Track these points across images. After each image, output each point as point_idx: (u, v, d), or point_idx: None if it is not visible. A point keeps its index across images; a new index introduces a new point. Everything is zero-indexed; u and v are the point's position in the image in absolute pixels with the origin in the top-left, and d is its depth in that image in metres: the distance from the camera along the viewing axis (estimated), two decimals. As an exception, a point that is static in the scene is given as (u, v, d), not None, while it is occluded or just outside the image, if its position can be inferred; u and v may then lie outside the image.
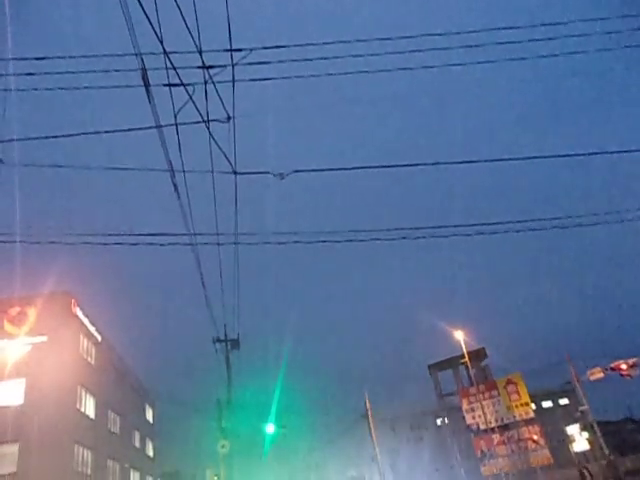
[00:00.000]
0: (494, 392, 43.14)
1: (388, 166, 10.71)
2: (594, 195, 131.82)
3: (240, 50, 7.46)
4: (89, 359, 31.80)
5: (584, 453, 44.17)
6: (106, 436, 33.32)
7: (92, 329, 32.50)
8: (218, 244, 11.39)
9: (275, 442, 34.57)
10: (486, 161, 11.93)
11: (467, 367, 43.41)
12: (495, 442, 41.58)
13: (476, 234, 11.83)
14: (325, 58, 9.01)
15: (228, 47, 7.26)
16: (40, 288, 29.50)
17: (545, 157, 11.85)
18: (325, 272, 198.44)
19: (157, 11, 5.78)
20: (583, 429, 41.00)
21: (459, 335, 39.19)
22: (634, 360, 30.58)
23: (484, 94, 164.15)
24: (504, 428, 41.92)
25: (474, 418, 42.92)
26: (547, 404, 61.98)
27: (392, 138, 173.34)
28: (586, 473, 33.47)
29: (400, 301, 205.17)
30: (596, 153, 12.65)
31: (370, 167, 11.95)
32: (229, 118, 7.71)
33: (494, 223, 11.61)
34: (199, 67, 7.08)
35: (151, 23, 5.75)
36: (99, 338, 33.75)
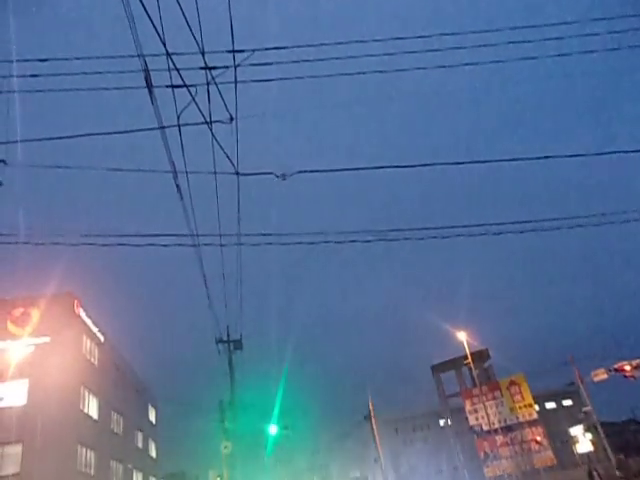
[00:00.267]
0: (497, 393, 43.05)
1: (388, 166, 10.71)
2: (597, 195, 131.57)
3: (242, 51, 7.46)
4: (92, 360, 31.86)
5: (588, 454, 44.02)
6: (109, 437, 33.36)
7: (95, 330, 32.56)
8: (221, 245, 11.40)
9: (278, 443, 34.56)
10: (486, 161, 11.91)
11: (470, 368, 43.32)
12: (498, 443, 41.50)
13: (479, 234, 11.81)
14: (327, 59, 9.02)
15: (230, 48, 7.27)
16: (43, 289, 29.64)
17: (545, 157, 11.82)
18: (327, 273, 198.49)
19: (160, 12, 5.79)
20: (587, 430, 40.87)
21: (462, 336, 39.10)
22: (638, 361, 30.47)
23: (483, 94, 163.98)
24: (507, 429, 41.83)
25: (477, 419, 42.84)
26: (550, 405, 61.80)
27: (395, 138, 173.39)
28: (595, 474, 33.26)
29: (403, 302, 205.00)
30: (596, 154, 12.61)
31: (370, 168, 11.95)
32: (232, 119, 7.72)
33: (498, 223, 11.59)
34: (202, 68, 7.09)
35: (154, 24, 5.76)
36: (102, 339, 33.81)
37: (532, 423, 41.78)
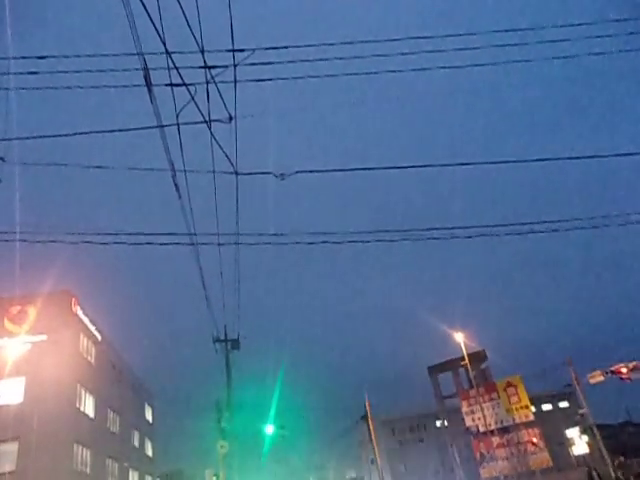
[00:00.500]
0: (494, 394, 43.07)
1: (388, 167, 10.70)
2: (597, 197, 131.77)
3: (242, 50, 7.45)
4: (89, 358, 31.80)
5: (584, 456, 44.08)
6: (105, 435, 33.30)
7: (92, 328, 32.51)
8: (219, 244, 11.38)
9: (275, 443, 34.53)
10: (486, 162, 11.92)
11: (467, 369, 43.32)
12: (495, 445, 41.53)
13: (477, 236, 11.83)
14: (327, 59, 9.01)
15: (230, 47, 7.26)
16: (40, 287, 29.56)
17: (544, 159, 11.84)
18: (325, 273, 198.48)
19: (160, 11, 5.79)
20: (583, 432, 40.90)
21: (459, 337, 39.14)
22: (634, 364, 30.44)
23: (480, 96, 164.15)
24: (504, 431, 41.85)
25: (474, 420, 42.86)
26: (547, 407, 61.87)
27: (395, 138, 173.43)
28: (594, 474, 33.23)
29: (401, 303, 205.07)
30: (595, 157, 12.61)
31: (371, 168, 11.95)
32: (231, 118, 7.71)
33: (495, 225, 11.61)
34: (201, 67, 7.08)
35: (153, 23, 5.76)
36: (99, 337, 33.76)
37: (528, 424, 41.81)
